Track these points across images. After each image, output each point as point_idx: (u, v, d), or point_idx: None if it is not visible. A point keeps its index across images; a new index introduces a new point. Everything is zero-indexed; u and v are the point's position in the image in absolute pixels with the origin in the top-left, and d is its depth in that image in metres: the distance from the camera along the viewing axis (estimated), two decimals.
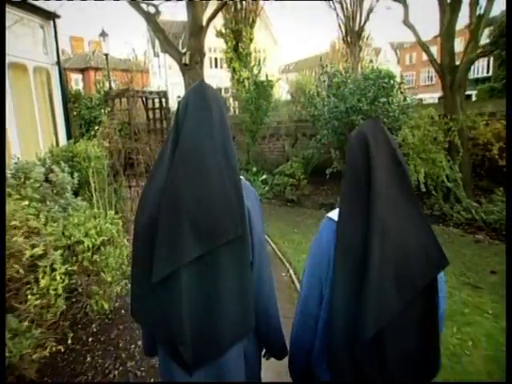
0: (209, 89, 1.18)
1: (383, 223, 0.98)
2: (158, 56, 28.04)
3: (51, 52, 6.11)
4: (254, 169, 8.28)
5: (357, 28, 19.07)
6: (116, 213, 4.11)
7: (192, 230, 1.04)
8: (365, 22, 19.11)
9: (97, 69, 24.72)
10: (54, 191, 5.01)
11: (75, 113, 10.42)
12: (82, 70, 27.08)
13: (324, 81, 7.26)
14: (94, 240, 3.03)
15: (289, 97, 15.36)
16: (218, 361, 1.12)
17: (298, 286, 3.96)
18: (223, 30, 17.93)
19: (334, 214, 1.13)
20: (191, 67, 9.15)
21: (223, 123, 1.15)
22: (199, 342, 1.08)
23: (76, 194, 4.93)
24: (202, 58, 9.37)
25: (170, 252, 1.04)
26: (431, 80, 30.00)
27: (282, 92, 17.85)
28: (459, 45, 7.78)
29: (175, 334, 1.06)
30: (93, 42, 28.20)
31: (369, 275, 0.96)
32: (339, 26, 19.08)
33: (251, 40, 18.53)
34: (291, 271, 4.30)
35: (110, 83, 13.35)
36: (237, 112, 8.70)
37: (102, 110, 7.83)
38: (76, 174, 4.90)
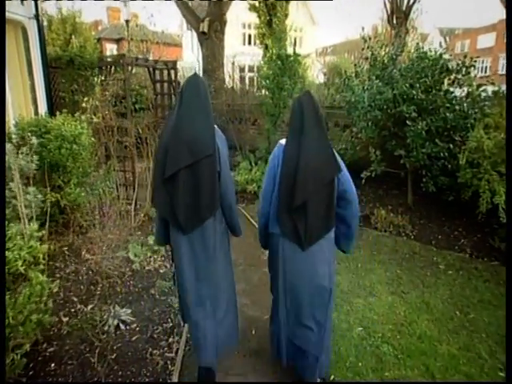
0: (199, 78, 2.25)
1: (306, 147, 2.05)
2: (190, 30, 26.75)
3: (29, 2, 4.93)
4: None
5: (404, 7, 16.97)
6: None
7: (187, 150, 2.02)
8: (414, 1, 16.96)
9: (131, 39, 24.32)
10: None
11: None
12: (117, 41, 26.77)
13: (366, 58, 5.72)
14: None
15: (322, 80, 13.79)
16: (199, 227, 2.12)
17: None
18: (256, 4, 16.43)
19: (283, 141, 2.21)
20: (209, 36, 7.80)
21: (206, 99, 2.16)
22: (189, 216, 2.08)
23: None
24: (223, 26, 8.00)
25: (174, 161, 2.02)
26: (485, 71, 27.20)
27: (315, 74, 16.22)
28: None
29: (176, 211, 2.06)
30: (130, 13, 27.80)
31: (298, 173, 2.02)
32: (384, 4, 17.07)
33: (286, 16, 16.94)
34: None
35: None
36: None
37: (96, 79, 6.62)
38: (35, 157, 3.81)
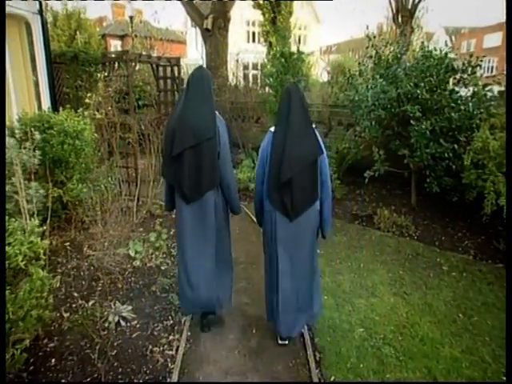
0: (204, 70, 2.67)
1: (292, 132, 2.41)
2: (194, 27, 26.65)
3: None
4: None
5: (410, 6, 16.84)
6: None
7: (191, 133, 2.41)
8: (419, 0, 16.84)
9: (135, 36, 24.42)
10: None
11: None
12: (122, 37, 26.79)
13: (370, 56, 5.65)
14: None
15: (326, 78, 13.72)
16: (200, 198, 2.52)
17: None
18: (261, 1, 16.34)
19: (272, 129, 2.57)
20: (213, 33, 7.76)
21: (209, 88, 2.53)
22: (192, 188, 2.48)
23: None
24: (227, 24, 7.96)
25: (180, 142, 2.41)
26: (491, 71, 26.98)
27: (319, 72, 16.15)
28: None
29: (182, 183, 2.49)
30: (134, 9, 27.89)
31: (285, 155, 2.37)
32: (390, 2, 16.95)
33: (291, 14, 16.86)
34: None
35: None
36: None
37: (99, 75, 6.60)
38: (38, 152, 3.80)
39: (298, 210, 2.46)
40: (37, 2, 4.90)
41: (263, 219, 2.70)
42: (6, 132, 4.17)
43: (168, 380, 2.39)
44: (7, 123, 4.10)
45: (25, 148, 3.56)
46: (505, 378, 2.42)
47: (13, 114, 4.62)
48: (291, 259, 2.57)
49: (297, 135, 2.43)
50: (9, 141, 3.82)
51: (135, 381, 2.38)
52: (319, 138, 2.51)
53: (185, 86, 2.58)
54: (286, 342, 2.74)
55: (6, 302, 1.94)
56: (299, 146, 2.41)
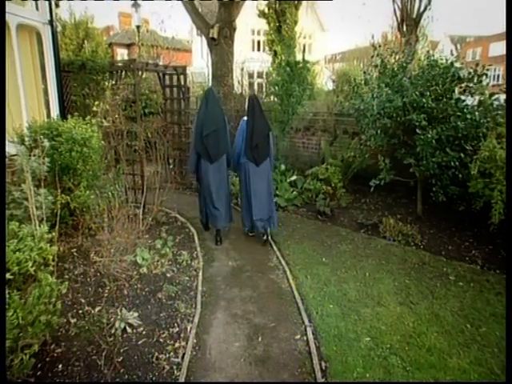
0: (214, 91, 5.09)
1: (255, 120, 4.49)
2: (200, 35, 26.92)
3: (44, 8, 5.01)
4: (283, 167, 6.91)
5: (415, 15, 16.92)
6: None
7: (213, 123, 4.50)
8: (425, 9, 16.91)
9: (142, 45, 24.82)
10: (14, 179, 3.98)
11: None
12: (128, 46, 27.20)
13: (375, 66, 5.69)
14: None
15: (331, 87, 13.76)
16: (219, 159, 4.60)
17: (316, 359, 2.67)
18: (266, 10, 16.51)
19: (245, 118, 4.62)
20: (219, 42, 7.85)
21: (219, 100, 5.08)
22: (214, 154, 4.53)
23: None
24: (233, 33, 8.04)
25: (207, 128, 4.44)
26: (497, 79, 26.96)
27: (324, 81, 16.22)
28: None
29: (209, 151, 4.50)
30: (141, 19, 28.32)
31: (254, 131, 4.47)
32: (394, 11, 17.05)
33: (296, 22, 16.99)
34: (309, 333, 2.97)
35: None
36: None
37: (106, 83, 6.69)
38: (47, 160, 3.85)
39: (261, 160, 4.57)
40: (48, 13, 4.98)
41: (238, 168, 4.75)
42: (16, 139, 4.26)
43: None
44: (17, 131, 4.17)
45: (34, 155, 3.61)
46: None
47: (23, 121, 4.69)
48: (257, 187, 4.61)
49: (258, 121, 4.51)
50: (19, 148, 3.90)
51: None
52: (268, 123, 4.83)
53: (204, 98, 4.66)
54: (265, 238, 4.70)
55: (5, 302, 1.95)
56: (260, 126, 4.52)
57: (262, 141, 4.50)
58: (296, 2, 15.98)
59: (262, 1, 16.49)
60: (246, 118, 4.56)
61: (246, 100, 4.94)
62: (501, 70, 29.05)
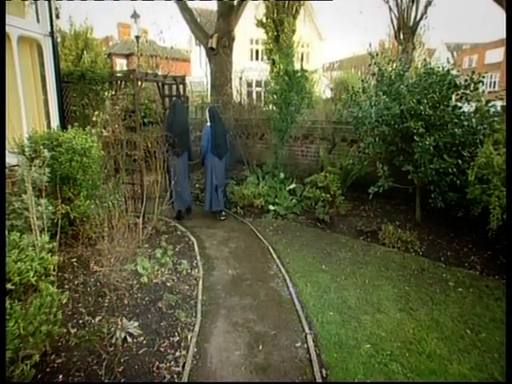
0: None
1: (216, 125, 6.00)
2: (199, 45, 27.18)
3: (44, 20, 5.08)
4: (282, 175, 6.95)
5: (411, 23, 17.12)
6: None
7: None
8: (421, 17, 17.11)
9: (141, 55, 25.09)
10: (15, 189, 4.00)
11: None
12: (127, 56, 27.60)
13: (373, 74, 5.76)
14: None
15: (329, 95, 13.88)
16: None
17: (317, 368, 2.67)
18: (264, 20, 16.70)
19: (208, 124, 6.05)
20: (217, 52, 7.95)
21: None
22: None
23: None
24: (231, 42, 8.15)
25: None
26: (493, 86, 27.21)
27: (322, 89, 16.34)
28: None
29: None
30: (139, 29, 28.72)
31: (216, 133, 5.95)
32: (391, 20, 17.26)
33: (294, 31, 17.17)
34: (309, 340, 2.97)
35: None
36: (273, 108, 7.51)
37: (106, 93, 6.75)
38: (47, 170, 3.87)
39: (222, 154, 5.95)
40: (48, 25, 5.06)
41: (205, 162, 6.00)
42: (16, 150, 4.29)
43: None
44: (17, 141, 4.20)
45: (35, 166, 3.64)
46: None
47: (23, 132, 4.73)
48: (217, 176, 5.92)
49: (218, 125, 5.95)
50: (20, 158, 3.93)
51: None
52: (225, 127, 6.31)
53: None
54: (223, 217, 6.08)
55: (5, 306, 1.96)
56: (220, 129, 5.93)
57: (223, 140, 5.97)
58: (294, 11, 16.14)
59: (260, 11, 16.68)
60: (208, 123, 5.93)
61: (207, 111, 6.13)
62: (497, 76, 29.32)
